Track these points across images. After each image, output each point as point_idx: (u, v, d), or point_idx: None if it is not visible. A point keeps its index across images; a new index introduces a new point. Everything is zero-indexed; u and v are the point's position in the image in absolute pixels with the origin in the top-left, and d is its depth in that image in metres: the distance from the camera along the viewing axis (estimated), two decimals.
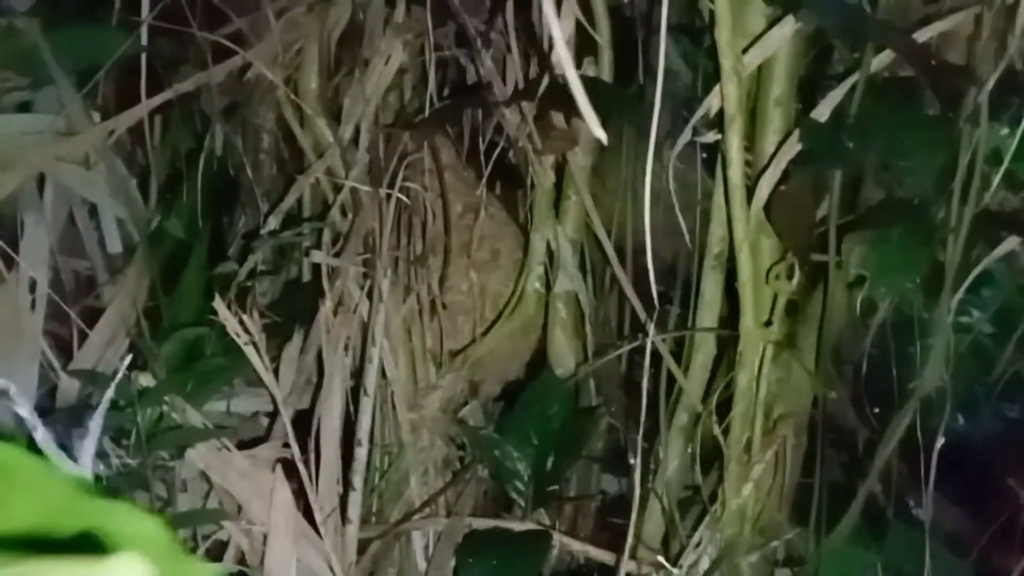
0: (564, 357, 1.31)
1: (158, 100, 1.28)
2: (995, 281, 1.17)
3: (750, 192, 0.99)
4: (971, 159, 0.94)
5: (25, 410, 0.58)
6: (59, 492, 0.28)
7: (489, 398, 1.38)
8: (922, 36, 0.96)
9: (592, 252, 1.28)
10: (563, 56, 0.46)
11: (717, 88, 0.97)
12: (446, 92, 1.33)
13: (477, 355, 1.32)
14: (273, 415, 1.07)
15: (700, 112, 1.01)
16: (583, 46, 1.20)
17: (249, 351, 1.01)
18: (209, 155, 1.34)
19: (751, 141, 1.05)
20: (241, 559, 0.97)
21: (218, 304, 1.02)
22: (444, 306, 1.31)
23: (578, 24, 1.14)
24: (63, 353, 1.15)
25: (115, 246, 1.29)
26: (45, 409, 1.04)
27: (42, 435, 0.60)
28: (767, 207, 0.99)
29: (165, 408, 1.01)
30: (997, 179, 0.95)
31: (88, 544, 0.27)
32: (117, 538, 0.27)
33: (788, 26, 0.99)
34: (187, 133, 1.36)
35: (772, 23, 1.01)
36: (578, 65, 1.21)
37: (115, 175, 1.30)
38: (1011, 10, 0.87)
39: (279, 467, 0.99)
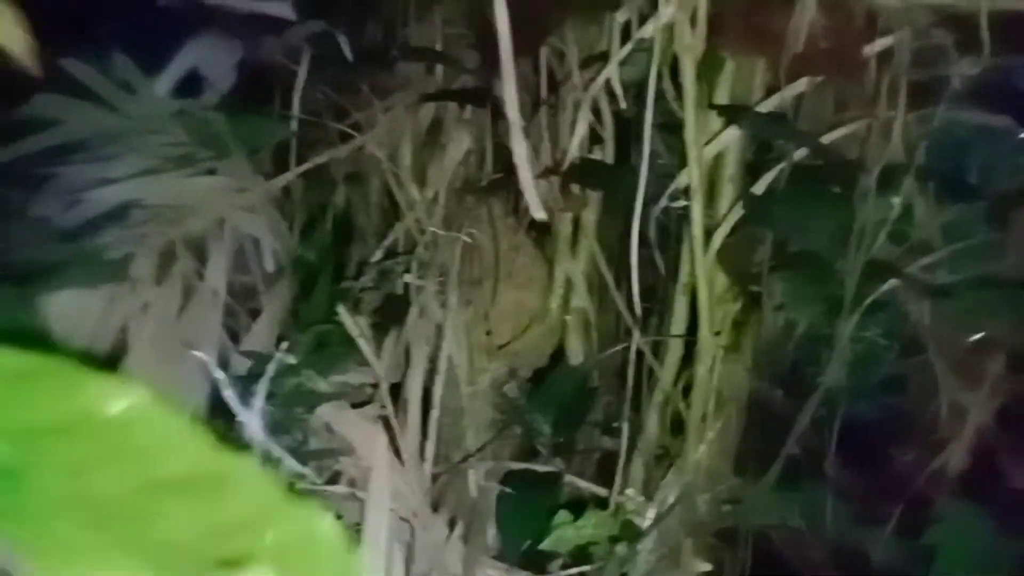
0: (576, 353, 1.34)
1: (302, 168, 1.34)
2: (887, 307, 1.19)
3: (708, 242, 1.02)
4: (862, 223, 0.96)
5: (219, 373, 0.63)
6: (265, 493, 0.25)
7: (524, 380, 1.41)
8: (828, 138, 1.00)
9: (598, 280, 1.32)
10: (519, 158, 0.51)
11: (686, 170, 1.01)
12: (499, 167, 1.37)
13: (515, 349, 1.37)
14: (375, 386, 1.11)
15: (673, 186, 1.05)
16: (594, 139, 1.25)
17: (360, 342, 1.06)
18: (335, 207, 1.40)
19: (711, 206, 1.09)
20: (351, 483, 1.01)
21: (341, 310, 1.07)
22: (487, 317, 1.35)
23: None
24: (234, 341, 1.20)
25: (270, 267, 1.34)
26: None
27: (228, 392, 0.66)
28: (720, 253, 1.02)
29: (302, 379, 1.06)
30: (881, 237, 0.97)
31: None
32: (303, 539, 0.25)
33: (735, 130, 1.03)
34: (320, 191, 1.42)
35: (726, 125, 1.05)
36: (589, 151, 1.25)
37: (272, 218, 1.36)
38: (889, 121, 0.90)
39: (379, 422, 1.03)
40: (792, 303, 0.93)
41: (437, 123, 1.37)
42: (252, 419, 0.71)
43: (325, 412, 1.03)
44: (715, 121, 1.05)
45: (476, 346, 1.34)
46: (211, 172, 1.32)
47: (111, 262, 1.11)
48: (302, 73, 1.30)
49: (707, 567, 1.15)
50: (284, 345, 1.05)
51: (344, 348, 1.08)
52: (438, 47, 1.35)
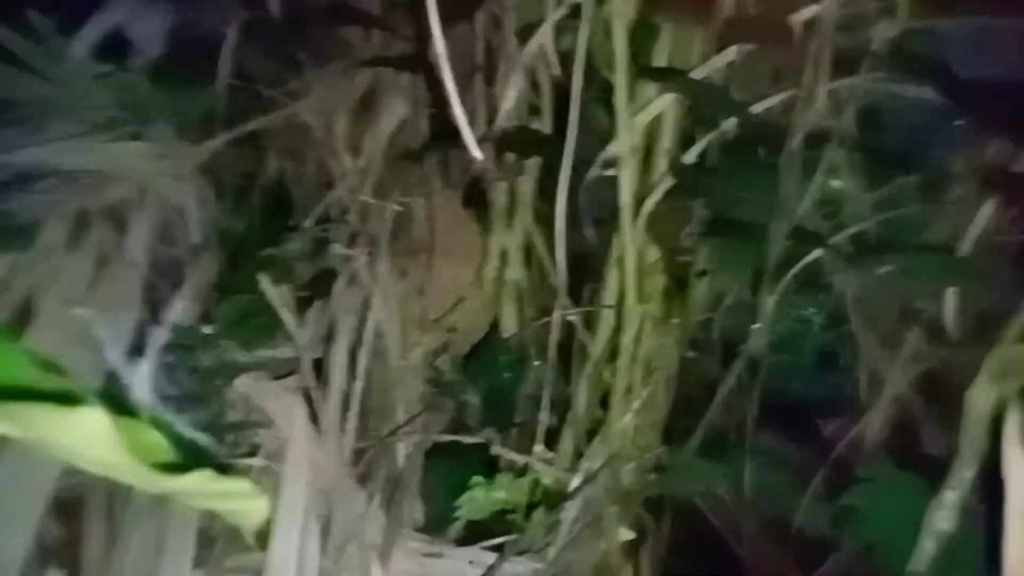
0: (510, 324, 1.29)
1: (229, 136, 1.25)
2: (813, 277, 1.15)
3: (637, 211, 0.97)
4: (787, 192, 0.93)
5: (102, 334, 0.56)
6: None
7: (458, 354, 1.36)
8: (759, 107, 0.95)
9: (535, 252, 1.27)
10: (459, 119, 0.46)
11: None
12: (434, 136, 1.30)
13: (450, 322, 1.31)
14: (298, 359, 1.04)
15: (603, 155, 1.00)
16: (532, 110, 1.19)
17: (282, 311, 0.99)
18: (266, 177, 1.31)
19: (646, 175, 1.04)
20: (269, 456, 0.94)
21: (263, 278, 1.00)
22: (421, 290, 1.29)
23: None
24: (156, 315, 1.11)
25: (196, 238, 1.25)
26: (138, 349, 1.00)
27: (112, 354, 0.59)
28: (649, 222, 0.98)
29: (220, 350, 0.99)
30: (803, 206, 0.93)
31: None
32: None
33: (668, 97, 0.98)
34: (251, 160, 1.33)
35: (659, 93, 1.00)
36: (527, 121, 1.19)
37: (198, 188, 1.27)
38: (815, 90, 0.86)
39: (299, 392, 0.96)
40: (716, 270, 0.89)
41: (372, 91, 1.29)
42: (139, 384, 0.64)
43: (244, 384, 0.96)
44: (650, 91, 1.00)
45: (409, 319, 1.29)
46: (135, 138, 1.23)
47: (17, 227, 1.02)
48: (231, 37, 1.21)
49: (631, 535, 1.12)
50: (201, 317, 0.98)
51: (267, 320, 1.01)
52: (375, 11, 1.27)
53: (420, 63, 1.18)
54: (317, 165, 1.34)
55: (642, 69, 0.91)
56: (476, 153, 0.42)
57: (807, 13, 0.87)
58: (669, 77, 0.91)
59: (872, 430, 1.25)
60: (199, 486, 0.29)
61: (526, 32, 1.12)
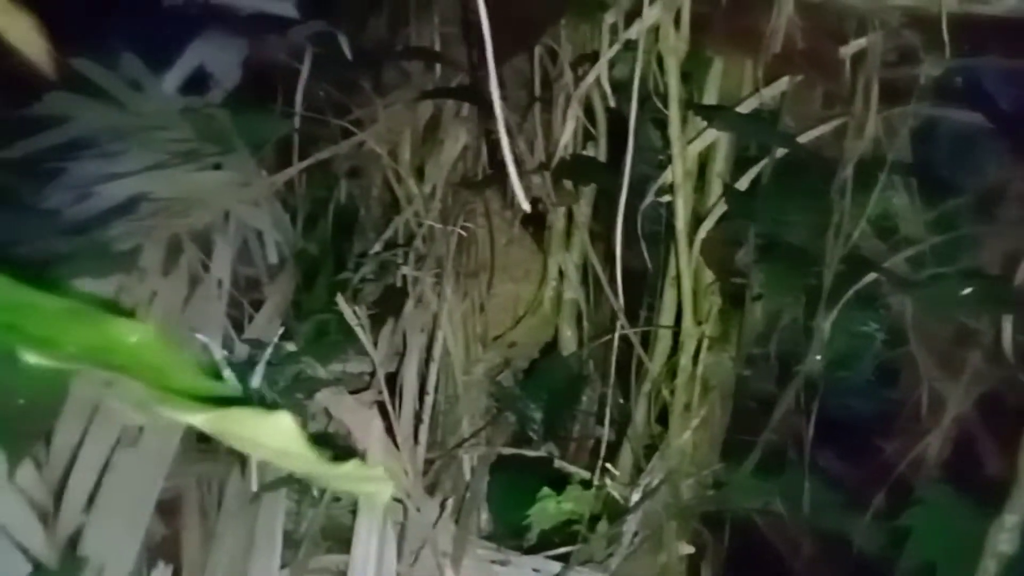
0: (568, 343, 1.38)
1: (304, 164, 1.37)
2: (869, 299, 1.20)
3: (692, 236, 1.05)
4: (839, 217, 0.99)
5: (219, 353, 0.66)
6: None
7: (518, 369, 1.44)
8: (809, 135, 1.02)
9: (592, 273, 1.35)
10: (507, 156, 0.55)
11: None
12: (494, 162, 1.40)
13: (510, 339, 1.40)
14: (372, 373, 1.14)
15: (659, 181, 1.08)
16: (587, 135, 1.27)
17: (358, 330, 1.09)
18: (336, 201, 1.43)
19: (700, 201, 1.11)
20: None
21: (339, 300, 1.10)
22: (482, 308, 1.38)
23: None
24: (238, 330, 1.23)
25: (273, 259, 1.37)
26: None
27: (227, 373, 0.69)
28: (703, 246, 1.05)
29: (302, 366, 1.10)
30: (858, 231, 0.99)
31: None
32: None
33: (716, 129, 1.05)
34: (322, 186, 1.45)
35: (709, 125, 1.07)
36: (583, 148, 1.28)
37: (275, 212, 1.40)
38: (864, 119, 0.92)
39: (375, 406, 1.06)
40: (770, 293, 0.95)
41: (435, 120, 1.40)
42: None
43: (323, 397, 1.06)
44: (700, 119, 1.07)
45: (471, 336, 1.38)
46: (216, 167, 1.35)
47: (120, 253, 1.15)
48: (304, 71, 1.33)
49: (690, 549, 1.18)
50: (282, 331, 1.09)
51: (342, 337, 1.11)
52: (436, 46, 1.38)
53: (479, 94, 1.28)
54: (384, 190, 1.46)
55: (694, 106, 0.99)
56: (523, 202, 0.52)
57: (855, 46, 0.94)
58: (719, 114, 0.99)
59: (932, 451, 1.29)
60: (349, 472, 0.38)
61: (581, 62, 1.22)
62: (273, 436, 0.36)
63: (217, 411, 0.36)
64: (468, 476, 1.25)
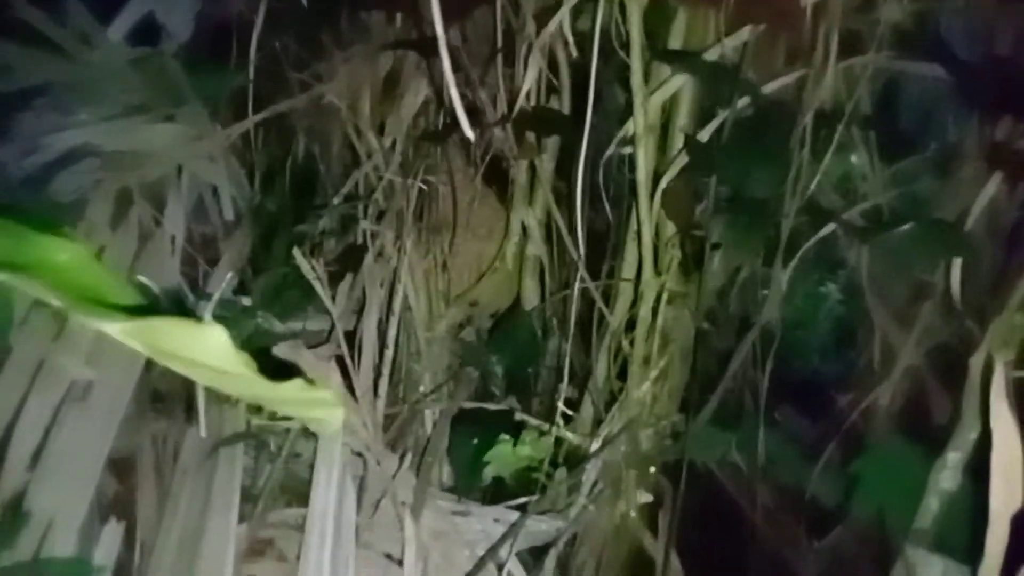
0: (531, 298, 1.36)
1: (260, 116, 1.33)
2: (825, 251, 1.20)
3: (654, 188, 1.04)
4: (798, 169, 0.98)
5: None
6: None
7: (481, 325, 1.43)
8: (769, 88, 1.01)
9: (555, 227, 1.33)
10: (457, 108, 0.52)
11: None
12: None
13: (472, 296, 1.38)
14: (332, 329, 1.12)
15: (621, 133, 1.06)
16: (551, 89, 1.25)
17: (316, 284, 1.07)
18: (294, 156, 1.39)
19: (663, 153, 1.09)
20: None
21: (297, 253, 1.07)
22: (445, 266, 1.36)
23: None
24: (194, 288, 1.19)
25: (229, 215, 1.33)
26: None
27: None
28: (664, 198, 1.04)
29: (259, 320, 1.07)
30: (815, 182, 0.99)
31: None
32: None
33: (682, 77, 1.04)
34: (280, 141, 1.41)
35: (672, 73, 1.05)
36: (547, 101, 1.25)
37: (230, 167, 1.35)
38: (821, 71, 0.91)
39: (333, 361, 1.04)
40: (729, 244, 0.95)
41: (395, 73, 1.36)
42: None
43: (281, 351, 1.03)
44: (665, 71, 1.05)
45: (434, 293, 1.36)
46: (169, 119, 1.32)
47: (65, 206, 1.10)
48: (259, 22, 1.28)
49: (648, 498, 1.19)
50: (236, 285, 1.06)
51: (301, 292, 1.09)
52: None
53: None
54: (344, 145, 1.42)
55: (656, 52, 0.97)
56: (468, 132, 0.50)
57: None
58: (682, 59, 0.97)
59: (883, 401, 1.31)
60: (293, 394, 0.37)
61: (545, 14, 1.18)
62: (205, 351, 0.34)
63: (141, 320, 0.34)
64: (429, 430, 1.24)
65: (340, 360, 1.06)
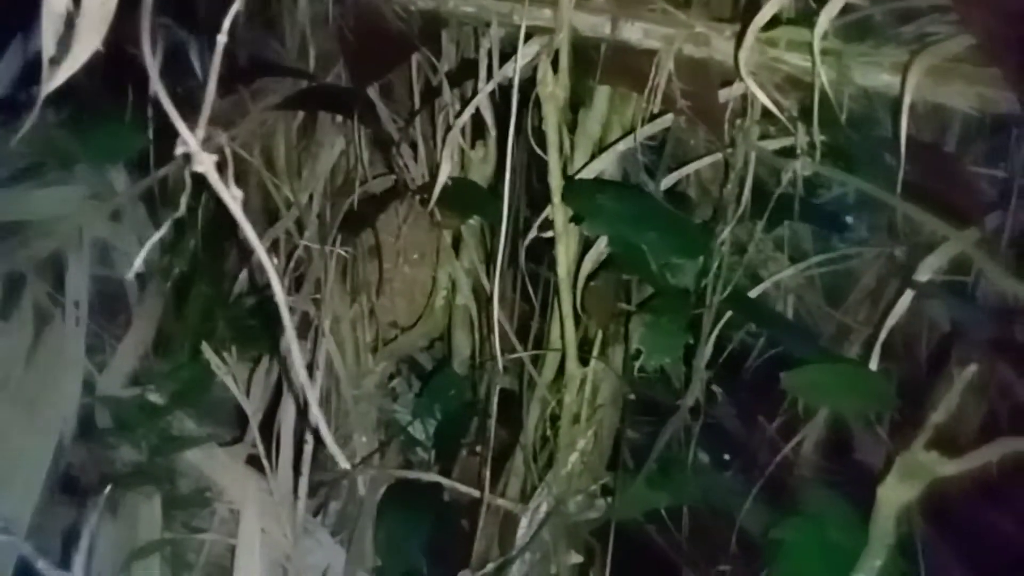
0: (461, 349, 1.34)
1: (162, 172, 1.23)
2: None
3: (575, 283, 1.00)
4: (720, 259, 0.96)
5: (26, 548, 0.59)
6: None
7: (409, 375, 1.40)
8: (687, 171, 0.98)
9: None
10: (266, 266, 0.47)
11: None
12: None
13: (400, 348, 1.35)
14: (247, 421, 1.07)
15: (541, 218, 1.02)
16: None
17: (228, 381, 1.01)
18: (206, 208, 1.30)
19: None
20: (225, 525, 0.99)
21: (206, 349, 1.01)
22: (372, 313, 1.31)
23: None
24: (99, 366, 1.12)
25: (132, 277, 1.24)
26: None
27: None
28: (586, 294, 1.01)
29: (171, 421, 1.02)
30: (738, 273, 0.97)
31: None
32: None
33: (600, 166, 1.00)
34: (189, 190, 1.31)
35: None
36: (472, 147, 1.18)
37: (137, 223, 1.26)
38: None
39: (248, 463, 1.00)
40: (646, 353, 0.92)
41: (310, 123, 1.27)
42: None
43: (193, 456, 0.99)
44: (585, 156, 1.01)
45: (361, 346, 1.32)
46: (61, 180, 1.21)
47: None
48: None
49: (578, 559, 1.21)
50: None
51: (210, 393, 1.03)
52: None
53: (348, 105, 1.16)
54: (258, 194, 1.34)
55: (567, 179, 0.93)
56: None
57: (738, 89, 0.88)
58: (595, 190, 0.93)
59: (808, 442, 1.32)
60: None
61: (463, 72, 1.11)
62: None
63: None
64: (359, 492, 1.22)
65: (256, 459, 1.02)
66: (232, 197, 0.39)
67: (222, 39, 0.40)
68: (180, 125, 0.37)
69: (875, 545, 0.80)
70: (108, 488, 0.85)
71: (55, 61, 0.51)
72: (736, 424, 1.44)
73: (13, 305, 1.08)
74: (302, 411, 1.09)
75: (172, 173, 1.26)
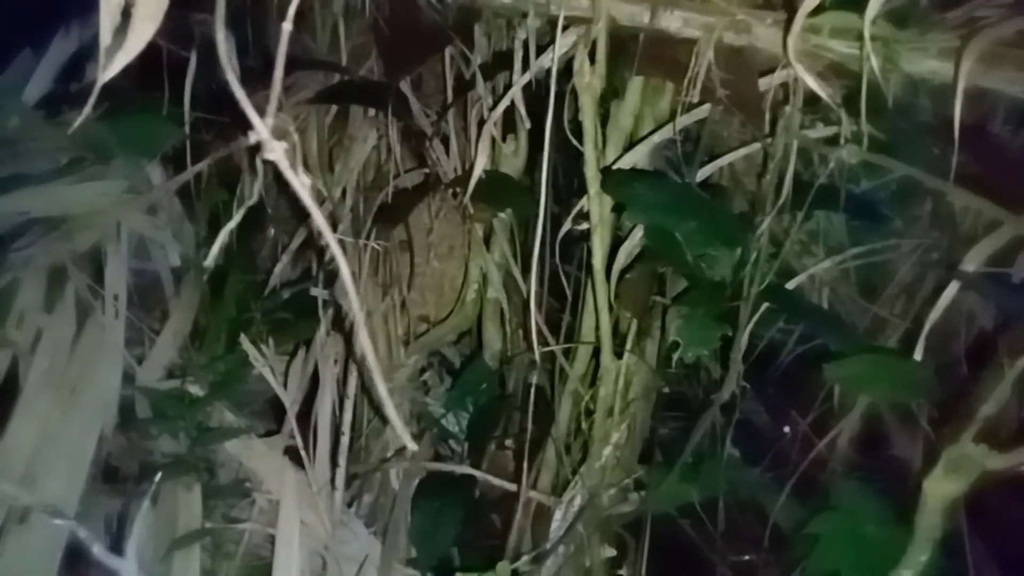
0: (492, 342, 1.34)
1: (197, 168, 1.24)
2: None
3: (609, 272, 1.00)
4: (758, 251, 0.95)
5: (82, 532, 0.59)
6: None
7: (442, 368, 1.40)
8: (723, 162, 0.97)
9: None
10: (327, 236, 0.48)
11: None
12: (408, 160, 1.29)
13: (431, 342, 1.35)
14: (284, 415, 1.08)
15: (576, 209, 1.01)
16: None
17: (266, 373, 1.02)
18: (240, 200, 1.31)
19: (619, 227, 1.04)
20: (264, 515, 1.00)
21: (244, 341, 1.02)
22: (404, 306, 1.31)
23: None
24: (140, 361, 1.13)
25: (171, 269, 1.26)
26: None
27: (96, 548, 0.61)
28: (620, 287, 1.00)
29: (211, 412, 1.03)
30: (775, 265, 0.96)
31: None
32: None
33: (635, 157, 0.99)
34: (226, 185, 1.32)
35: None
36: (503, 139, 1.18)
37: (173, 217, 1.27)
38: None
39: (286, 454, 1.01)
40: (683, 345, 0.91)
41: (342, 118, 1.28)
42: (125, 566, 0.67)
43: (232, 447, 1.00)
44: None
45: (393, 339, 1.32)
46: (99, 177, 1.23)
47: None
48: (191, 69, 1.18)
49: (611, 552, 1.20)
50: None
51: (248, 383, 1.04)
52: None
53: (381, 98, 1.16)
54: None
55: (604, 171, 0.92)
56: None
57: (779, 78, 0.87)
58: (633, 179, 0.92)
59: (839, 447, 1.30)
60: None
61: (496, 65, 1.11)
62: None
63: None
64: (393, 484, 1.22)
65: (294, 449, 1.03)
66: (302, 184, 0.39)
67: (287, 27, 0.40)
68: (252, 113, 0.37)
69: (921, 539, 0.79)
70: (158, 476, 0.86)
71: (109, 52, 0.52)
72: (766, 419, 1.43)
73: (56, 298, 1.10)
74: (339, 403, 1.10)
75: (205, 169, 1.28)
